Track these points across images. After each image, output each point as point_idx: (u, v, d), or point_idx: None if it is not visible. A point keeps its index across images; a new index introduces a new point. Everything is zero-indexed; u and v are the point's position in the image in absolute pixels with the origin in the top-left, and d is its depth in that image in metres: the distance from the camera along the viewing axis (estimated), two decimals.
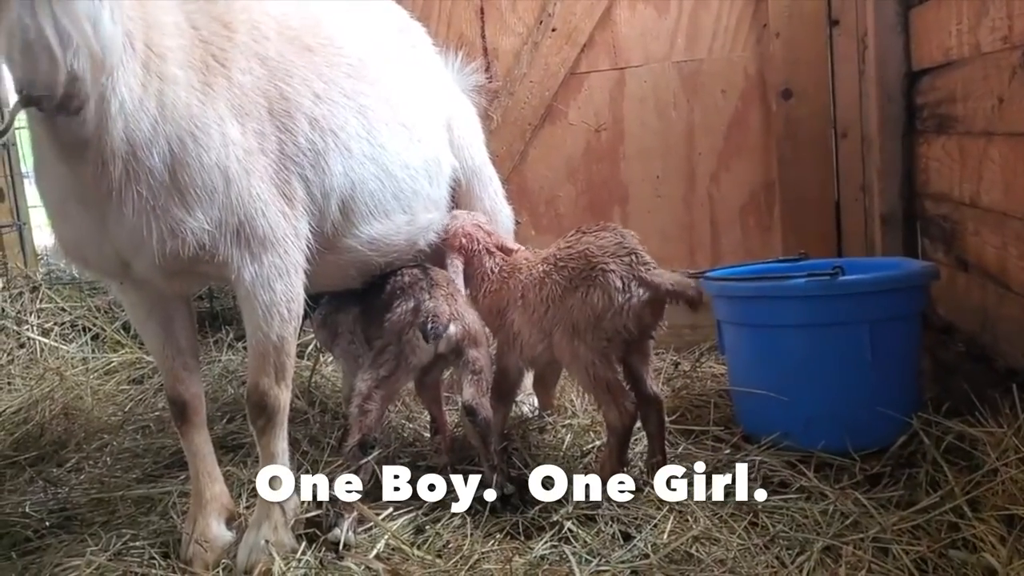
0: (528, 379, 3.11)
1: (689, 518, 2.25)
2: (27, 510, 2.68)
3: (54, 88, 1.85)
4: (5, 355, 4.13)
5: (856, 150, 3.83)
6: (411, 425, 3.22)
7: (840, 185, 3.89)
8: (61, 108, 1.90)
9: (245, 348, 4.30)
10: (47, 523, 2.59)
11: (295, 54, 2.41)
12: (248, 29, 2.31)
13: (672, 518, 2.24)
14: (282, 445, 2.36)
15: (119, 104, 1.97)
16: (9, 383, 3.94)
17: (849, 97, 3.83)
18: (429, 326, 2.41)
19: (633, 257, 2.44)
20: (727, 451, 2.66)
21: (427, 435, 3.10)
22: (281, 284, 2.25)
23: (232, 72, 2.21)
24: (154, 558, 2.31)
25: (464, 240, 2.80)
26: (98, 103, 1.94)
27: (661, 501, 2.34)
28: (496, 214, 3.32)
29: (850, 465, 2.48)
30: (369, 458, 2.37)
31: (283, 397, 2.32)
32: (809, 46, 3.87)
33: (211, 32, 2.22)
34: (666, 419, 2.65)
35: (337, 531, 2.24)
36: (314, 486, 2.38)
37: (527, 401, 3.20)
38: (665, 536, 2.16)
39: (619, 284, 2.39)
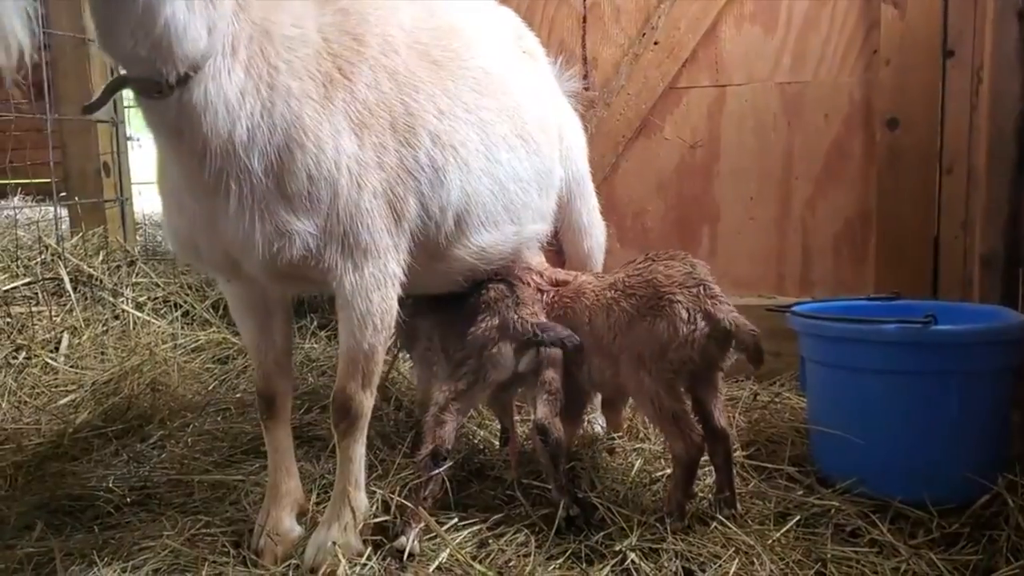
0: (598, 398, 3.10)
1: (755, 560, 2.21)
2: (110, 484, 2.79)
3: (132, 67, 1.94)
4: (101, 325, 4.30)
5: (961, 187, 3.69)
6: (482, 432, 3.24)
7: (941, 222, 3.76)
8: (143, 90, 1.97)
9: (328, 337, 4.44)
10: (128, 500, 2.69)
11: (423, 68, 2.43)
12: (379, 43, 2.33)
13: (737, 560, 2.19)
14: (360, 450, 2.39)
15: (206, 101, 2.00)
16: (102, 353, 4.10)
17: (958, 131, 3.69)
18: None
19: (701, 288, 2.41)
20: (800, 492, 2.60)
21: (497, 444, 3.12)
22: (378, 295, 2.28)
23: (356, 85, 2.23)
24: (226, 546, 2.37)
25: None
26: (184, 94, 1.98)
27: (727, 540, 2.31)
28: (591, 227, 3.31)
29: (927, 520, 2.39)
30: (440, 469, 2.39)
31: (367, 403, 2.36)
32: (920, 75, 3.74)
33: (341, 46, 2.25)
34: (733, 453, 2.60)
35: (403, 539, 2.27)
36: (384, 494, 2.42)
37: (598, 420, 3.19)
38: None
39: (685, 315, 2.37)
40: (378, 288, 2.28)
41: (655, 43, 4.10)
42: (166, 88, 1.95)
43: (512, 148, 2.67)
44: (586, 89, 4.21)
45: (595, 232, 3.33)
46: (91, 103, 2.07)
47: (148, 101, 2.00)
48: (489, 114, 2.60)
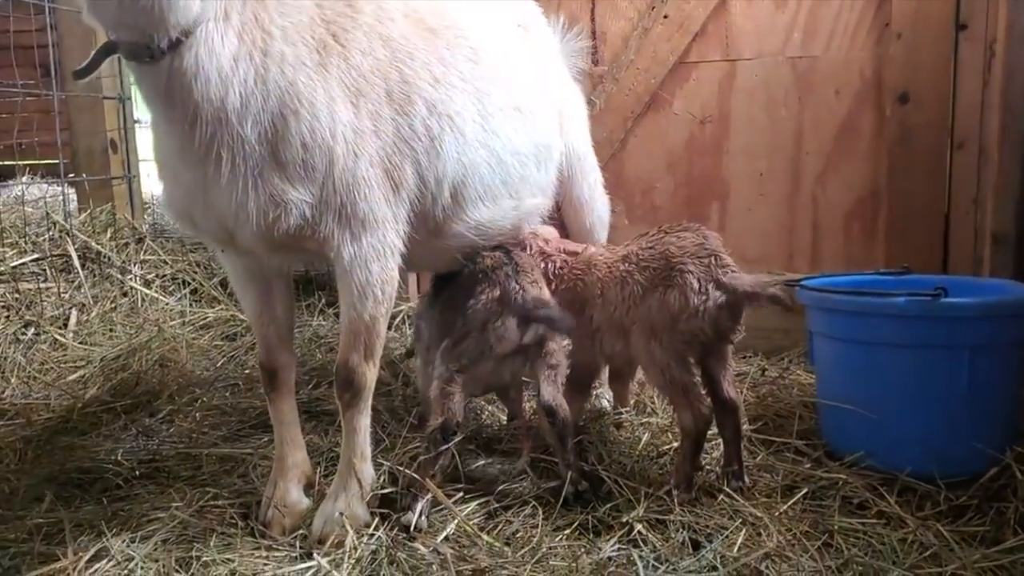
0: (606, 372, 3.09)
1: (762, 532, 2.20)
2: (119, 458, 2.79)
3: (121, 32, 1.93)
4: (109, 302, 4.31)
5: (972, 162, 3.66)
6: (489, 407, 3.24)
7: (951, 198, 3.74)
8: (133, 54, 1.96)
9: (336, 314, 4.43)
10: (136, 472, 2.70)
11: (418, 36, 2.40)
12: (373, 10, 2.31)
13: (744, 531, 2.19)
14: (365, 421, 2.38)
15: (197, 66, 1.98)
16: (111, 330, 4.11)
17: (970, 106, 3.66)
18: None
19: (713, 259, 2.40)
20: (807, 465, 2.60)
21: (504, 420, 3.11)
22: (377, 266, 2.27)
23: (351, 52, 2.21)
24: (234, 518, 2.38)
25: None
26: (175, 59, 1.96)
27: (735, 512, 2.30)
28: (593, 202, 3.28)
29: (934, 493, 2.38)
30: (450, 444, 2.38)
31: (370, 375, 2.35)
32: (932, 50, 3.71)
33: (336, 12, 2.23)
34: (743, 426, 2.59)
35: (410, 514, 2.26)
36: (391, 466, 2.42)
37: (605, 395, 3.18)
38: (735, 549, 2.11)
39: (696, 286, 2.36)
40: (377, 259, 2.26)
41: (665, 16, 4.07)
42: (157, 52, 1.93)
43: (509, 120, 2.65)
44: (595, 64, 4.17)
45: (597, 207, 3.30)
46: (81, 67, 2.06)
47: (139, 67, 1.99)
48: (485, 84, 2.57)
